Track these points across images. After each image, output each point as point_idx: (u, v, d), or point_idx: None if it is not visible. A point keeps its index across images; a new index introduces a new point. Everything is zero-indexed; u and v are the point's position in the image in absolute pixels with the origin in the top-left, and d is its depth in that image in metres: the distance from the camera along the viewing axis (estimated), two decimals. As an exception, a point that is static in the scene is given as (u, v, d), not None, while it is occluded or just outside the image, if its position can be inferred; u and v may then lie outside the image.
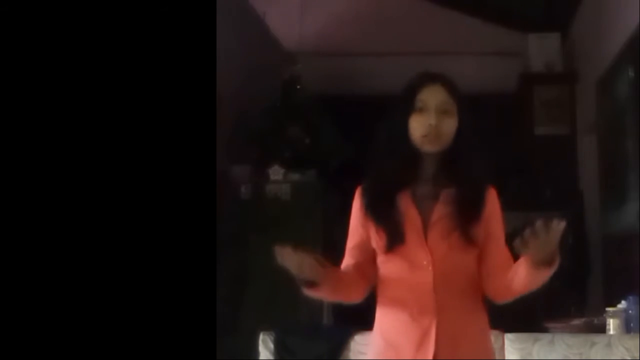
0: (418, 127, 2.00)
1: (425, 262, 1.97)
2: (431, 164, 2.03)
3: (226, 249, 4.11)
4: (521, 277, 1.92)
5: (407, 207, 2.00)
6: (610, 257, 4.93)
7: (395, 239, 1.99)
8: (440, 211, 1.99)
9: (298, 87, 5.22)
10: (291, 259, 1.87)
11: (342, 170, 5.06)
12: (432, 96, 2.02)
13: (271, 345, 3.23)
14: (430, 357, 1.93)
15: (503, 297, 2.03)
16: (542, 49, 6.01)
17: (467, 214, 1.98)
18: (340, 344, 3.17)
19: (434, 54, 5.90)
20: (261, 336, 3.27)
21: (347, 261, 2.09)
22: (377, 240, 2.02)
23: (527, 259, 1.87)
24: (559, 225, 1.79)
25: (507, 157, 5.31)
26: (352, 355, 3.14)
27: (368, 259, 2.07)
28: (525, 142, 5.95)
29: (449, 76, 2.08)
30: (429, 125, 1.98)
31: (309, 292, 1.97)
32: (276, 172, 4.84)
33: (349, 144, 5.10)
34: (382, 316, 2.05)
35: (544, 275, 1.91)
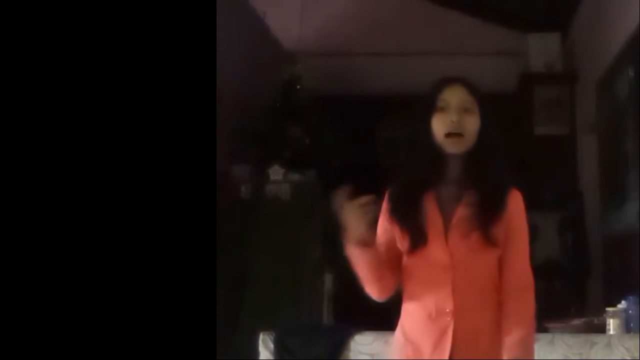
0: (441, 125, 2.04)
1: (445, 263, 2.01)
2: (456, 166, 2.07)
3: (226, 249, 4.11)
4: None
5: (430, 209, 2.05)
6: (610, 257, 4.93)
7: (417, 240, 2.03)
8: (462, 212, 2.03)
9: (298, 87, 5.22)
10: (354, 207, 1.94)
11: (342, 170, 5.06)
12: (453, 95, 2.06)
13: (271, 345, 3.23)
14: (446, 357, 1.98)
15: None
16: (542, 49, 6.01)
17: (486, 214, 2.01)
18: (340, 344, 3.17)
19: (434, 54, 5.90)
20: (261, 336, 3.27)
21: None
22: (401, 241, 2.07)
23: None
24: None
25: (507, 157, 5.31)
26: (352, 355, 3.14)
27: (395, 258, 2.10)
28: (525, 142, 5.95)
29: (470, 79, 2.13)
30: (450, 122, 2.02)
31: (352, 251, 2.02)
32: (276, 172, 4.84)
33: (349, 144, 5.10)
34: (405, 314, 2.11)
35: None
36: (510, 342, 1.99)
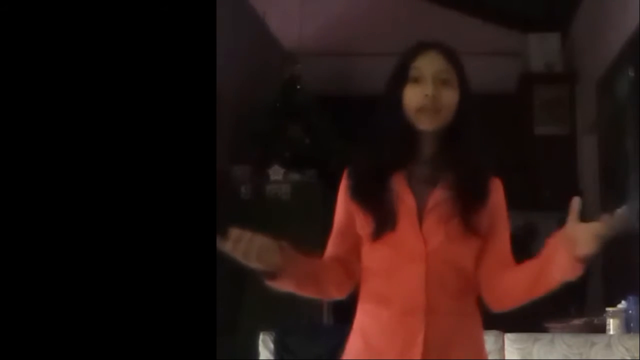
0: (413, 98, 1.75)
1: (418, 253, 1.72)
2: (429, 144, 1.78)
3: (226, 248, 4.10)
4: (528, 282, 1.72)
5: (400, 190, 1.76)
6: (610, 257, 4.93)
7: (384, 224, 1.74)
8: (439, 196, 1.75)
9: (298, 87, 5.22)
10: (236, 243, 1.69)
11: (342, 170, 5.06)
12: (428, 64, 1.78)
13: (271, 345, 3.23)
14: None
15: (502, 303, 1.81)
16: (542, 49, 6.01)
17: (469, 200, 1.74)
18: (340, 344, 3.17)
19: (434, 54, 5.90)
20: (261, 336, 3.27)
21: (329, 251, 1.88)
22: (363, 226, 1.78)
23: (566, 249, 1.68)
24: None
25: (507, 157, 5.32)
26: (352, 355, 3.13)
27: (352, 250, 1.83)
28: (525, 142, 5.95)
29: (448, 44, 1.85)
30: (424, 96, 1.73)
31: (270, 284, 1.78)
32: (276, 172, 4.84)
33: (349, 144, 5.10)
34: (363, 314, 1.82)
35: (575, 273, 1.70)
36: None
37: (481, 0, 6.24)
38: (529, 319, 3.40)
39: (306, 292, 1.87)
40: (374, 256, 1.79)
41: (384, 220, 1.75)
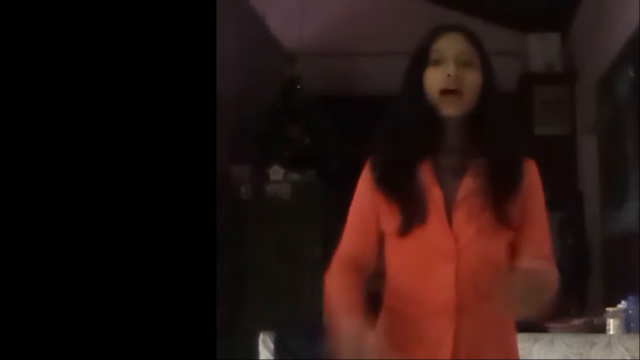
0: (435, 80, 1.67)
1: (447, 250, 1.63)
2: (455, 131, 1.69)
3: (226, 248, 4.11)
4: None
5: (427, 181, 1.66)
6: (610, 257, 4.93)
7: (413, 219, 1.64)
8: (468, 187, 1.64)
9: (298, 87, 5.22)
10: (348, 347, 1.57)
11: (342, 170, 5.06)
12: (449, 45, 1.69)
13: (271, 345, 3.23)
14: None
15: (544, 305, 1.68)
16: (542, 49, 6.01)
17: (501, 188, 1.64)
18: (340, 344, 3.17)
19: (434, 54, 5.90)
20: (261, 336, 3.27)
21: (344, 250, 1.78)
22: (389, 221, 1.68)
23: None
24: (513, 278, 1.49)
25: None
26: (352, 355, 3.13)
27: (368, 246, 1.75)
28: (525, 142, 5.95)
29: (470, 28, 1.77)
30: (447, 76, 1.65)
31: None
32: (276, 172, 4.84)
33: (349, 144, 5.10)
34: (389, 314, 1.73)
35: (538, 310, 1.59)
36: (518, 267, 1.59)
37: (481, 0, 6.24)
38: (529, 319, 3.41)
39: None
40: (401, 253, 1.71)
41: (411, 215, 1.65)
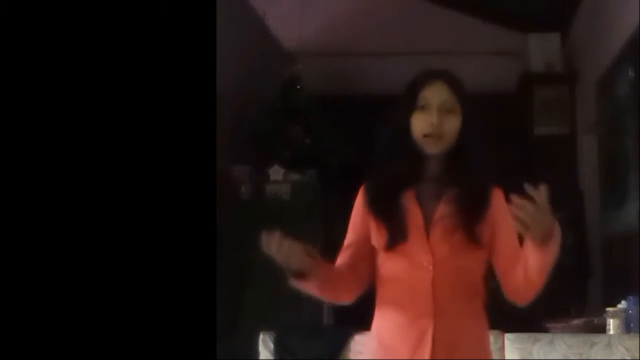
0: (420, 125, 1.97)
1: (425, 262, 1.93)
2: (435, 165, 2.00)
3: (226, 249, 4.10)
4: (532, 265, 1.86)
5: (410, 205, 1.97)
6: (610, 257, 4.93)
7: (396, 236, 1.95)
8: (443, 210, 1.95)
9: (298, 87, 5.22)
10: (277, 247, 1.85)
11: (342, 170, 5.06)
12: (434, 94, 1.98)
13: (271, 345, 3.23)
14: None
15: (524, 295, 1.95)
16: (542, 49, 6.01)
17: (470, 213, 1.94)
18: (340, 344, 3.17)
19: (434, 54, 5.89)
20: (261, 336, 3.27)
21: (342, 259, 2.05)
22: (377, 238, 1.98)
23: (528, 241, 1.82)
24: (540, 191, 1.75)
25: (507, 157, 5.31)
26: (352, 355, 3.14)
27: (364, 259, 2.03)
28: (525, 142, 5.95)
29: (453, 73, 2.05)
30: (430, 124, 1.95)
31: (296, 284, 1.94)
32: (276, 172, 4.84)
33: (349, 144, 5.10)
34: (380, 317, 2.02)
35: (551, 253, 1.87)
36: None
37: (481, 0, 6.23)
38: (529, 319, 3.41)
39: (324, 295, 2.05)
40: (388, 264, 1.99)
41: (396, 233, 1.95)
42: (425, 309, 1.92)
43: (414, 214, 1.96)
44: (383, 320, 2.00)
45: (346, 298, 2.05)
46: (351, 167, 5.27)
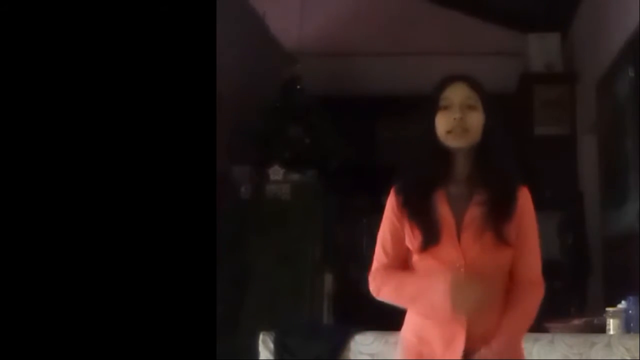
0: (443, 123, 2.03)
1: (457, 264, 1.99)
2: (463, 163, 2.06)
3: (226, 249, 4.11)
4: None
5: (441, 207, 2.03)
6: (610, 257, 4.93)
7: (430, 239, 2.01)
8: (474, 213, 2.01)
9: (298, 87, 5.22)
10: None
11: (342, 170, 5.06)
12: (455, 93, 2.05)
13: (271, 345, 3.23)
14: (459, 357, 1.96)
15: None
16: (542, 49, 6.00)
17: (498, 214, 2.00)
18: (340, 344, 3.17)
19: (434, 54, 5.90)
20: (261, 336, 3.27)
21: (380, 262, 2.11)
22: (411, 239, 2.05)
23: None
24: None
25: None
26: (352, 355, 3.13)
27: (398, 258, 2.09)
28: (525, 142, 5.95)
29: (472, 75, 2.12)
30: (453, 119, 2.01)
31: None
32: (276, 172, 4.84)
33: (349, 144, 5.10)
34: (415, 314, 2.08)
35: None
36: (503, 329, 1.99)
37: (481, 0, 6.23)
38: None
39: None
40: (420, 264, 2.05)
41: (429, 235, 2.02)
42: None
43: (445, 216, 2.02)
44: (419, 316, 2.07)
45: None
46: (351, 167, 5.29)
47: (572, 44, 6.01)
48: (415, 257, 2.06)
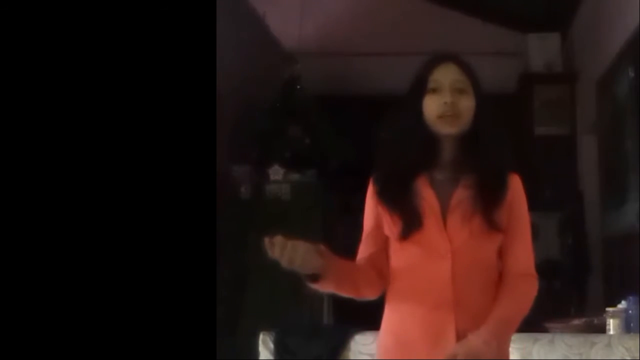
0: (433, 107, 1.89)
1: (443, 250, 1.84)
2: (450, 148, 1.91)
3: (226, 249, 4.11)
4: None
5: (424, 191, 1.88)
6: (610, 257, 4.93)
7: (411, 224, 1.85)
8: (461, 195, 1.86)
9: (298, 87, 5.23)
10: (280, 250, 1.75)
11: (342, 170, 5.06)
12: (445, 75, 1.91)
13: (271, 345, 3.23)
14: (451, 357, 1.76)
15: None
16: (542, 49, 6.01)
17: (488, 197, 1.86)
18: (340, 344, 3.17)
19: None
20: (261, 336, 3.27)
21: (362, 252, 1.98)
22: (391, 227, 1.90)
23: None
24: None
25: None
26: (352, 355, 3.13)
27: (382, 251, 1.94)
28: (525, 142, 5.95)
29: (462, 56, 1.99)
30: (444, 103, 1.87)
31: (312, 286, 1.84)
32: (276, 172, 4.84)
33: (349, 144, 5.10)
34: (393, 312, 1.93)
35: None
36: (492, 317, 1.81)
37: (481, 0, 6.23)
38: (529, 319, 3.40)
39: (344, 292, 1.94)
40: (402, 255, 1.90)
41: (410, 221, 1.86)
42: (445, 299, 1.83)
43: (429, 199, 1.87)
44: (397, 315, 1.91)
45: (370, 294, 1.95)
46: (351, 167, 5.29)
47: (572, 44, 6.02)
48: (395, 248, 1.91)
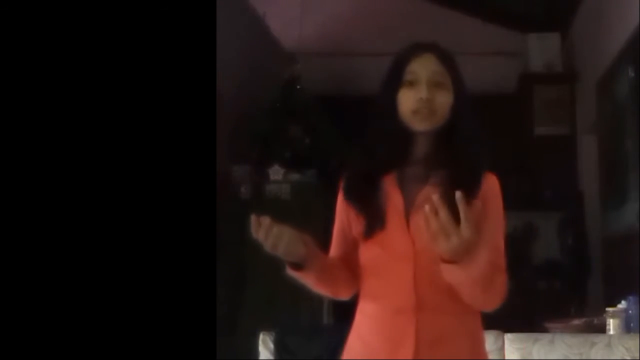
0: (408, 101, 1.77)
1: (405, 252, 1.73)
2: (423, 144, 1.80)
3: (226, 249, 4.11)
4: (449, 280, 1.66)
5: (390, 189, 1.77)
6: (610, 257, 4.93)
7: (374, 224, 1.75)
8: (427, 193, 1.69)
9: (298, 87, 5.23)
10: (266, 232, 1.70)
11: (342, 170, 5.06)
12: (423, 67, 1.79)
13: (271, 345, 3.23)
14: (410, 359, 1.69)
15: (481, 305, 1.76)
16: (542, 49, 6.02)
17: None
18: (340, 344, 3.17)
19: (434, 54, 5.89)
20: (261, 336, 3.27)
21: (332, 253, 1.92)
22: (356, 226, 1.81)
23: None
24: (461, 204, 1.52)
25: (507, 158, 5.31)
26: (352, 355, 3.13)
27: (353, 251, 1.86)
28: (525, 142, 5.95)
29: (442, 46, 1.86)
30: (419, 99, 1.75)
31: (292, 274, 1.81)
32: (276, 172, 4.84)
33: (349, 144, 5.10)
34: (360, 314, 1.85)
35: (454, 276, 1.63)
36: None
37: (481, 0, 6.24)
38: (529, 319, 3.41)
39: (322, 288, 1.90)
40: (367, 256, 1.82)
41: (372, 220, 1.76)
42: (406, 303, 1.72)
43: (393, 198, 1.76)
44: (363, 316, 1.83)
45: (343, 293, 1.91)
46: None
47: (572, 44, 6.02)
48: (361, 248, 1.82)
